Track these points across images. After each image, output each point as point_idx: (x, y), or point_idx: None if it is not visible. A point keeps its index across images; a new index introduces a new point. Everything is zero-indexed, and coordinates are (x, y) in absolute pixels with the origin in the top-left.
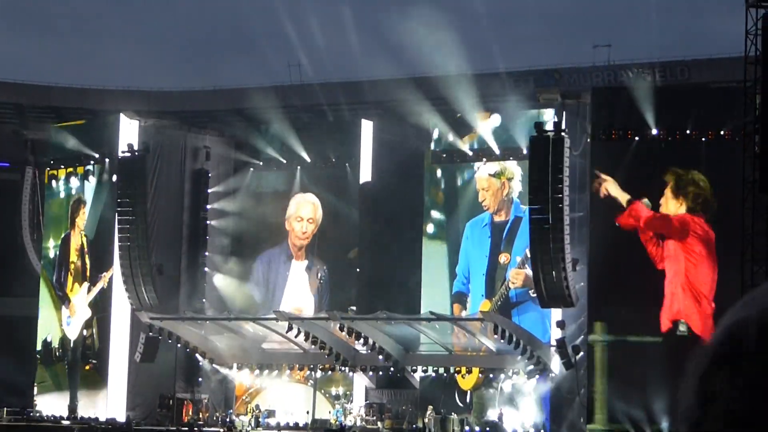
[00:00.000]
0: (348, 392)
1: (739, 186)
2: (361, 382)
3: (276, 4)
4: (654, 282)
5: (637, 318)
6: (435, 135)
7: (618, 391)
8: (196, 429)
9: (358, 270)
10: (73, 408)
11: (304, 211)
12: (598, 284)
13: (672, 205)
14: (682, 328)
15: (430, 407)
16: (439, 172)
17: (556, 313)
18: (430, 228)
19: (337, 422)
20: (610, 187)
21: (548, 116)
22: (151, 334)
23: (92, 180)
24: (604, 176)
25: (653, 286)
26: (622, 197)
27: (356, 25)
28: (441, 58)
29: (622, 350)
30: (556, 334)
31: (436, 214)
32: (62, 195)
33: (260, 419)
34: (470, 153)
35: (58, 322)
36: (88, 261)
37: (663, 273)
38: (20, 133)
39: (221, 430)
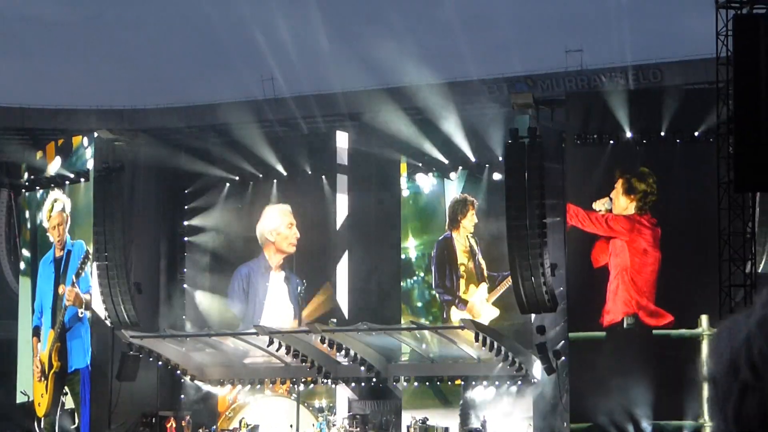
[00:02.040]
0: (331, 404)
1: (714, 187)
2: (343, 393)
3: (247, 19)
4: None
5: (574, 314)
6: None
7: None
8: None
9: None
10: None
11: (287, 219)
12: (576, 287)
13: (623, 203)
14: (629, 321)
15: (413, 416)
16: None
17: (537, 319)
18: (410, 238)
19: None
20: None
21: (523, 123)
22: (131, 352)
23: (68, 199)
24: None
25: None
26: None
27: (329, 37)
28: (413, 67)
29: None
30: (536, 339)
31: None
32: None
33: None
34: (446, 162)
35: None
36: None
37: (602, 270)
38: None
39: None
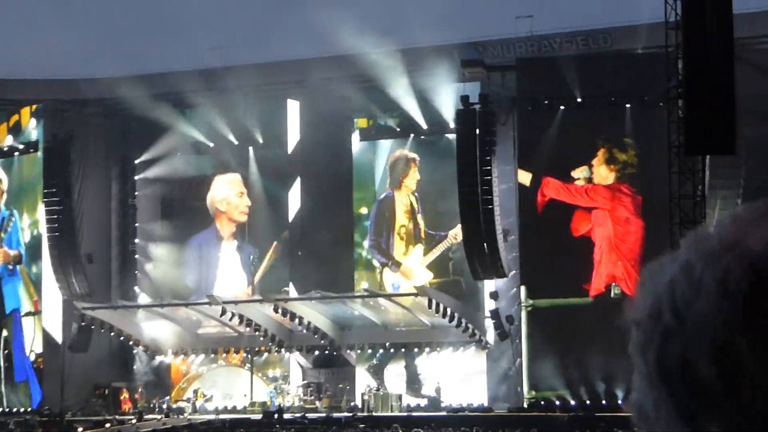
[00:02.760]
0: (285, 373)
1: (665, 151)
2: (298, 362)
3: None
4: (581, 248)
5: (562, 281)
6: (361, 114)
7: (546, 357)
8: (135, 416)
9: (290, 251)
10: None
11: (236, 188)
12: (528, 254)
13: (603, 172)
14: (616, 290)
15: (367, 384)
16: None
17: (489, 285)
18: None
19: (272, 403)
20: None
21: (474, 89)
22: (83, 323)
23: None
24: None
25: (580, 253)
26: (524, 177)
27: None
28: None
29: (550, 316)
30: (490, 305)
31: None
32: None
33: (196, 405)
34: (398, 129)
35: None
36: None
37: (584, 239)
38: None
39: (159, 416)
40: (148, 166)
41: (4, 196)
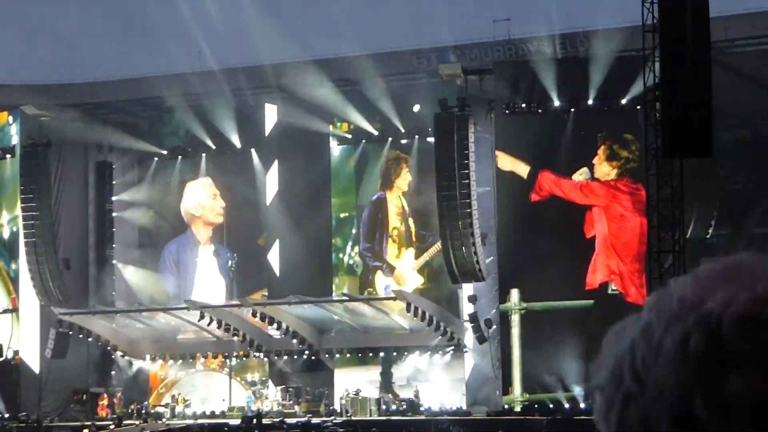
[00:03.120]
0: (264, 378)
1: (642, 154)
2: (276, 367)
3: None
4: (579, 247)
5: (561, 284)
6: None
7: (538, 359)
8: (114, 422)
9: (268, 256)
10: None
11: (209, 191)
12: (508, 257)
13: (605, 169)
14: (613, 287)
15: (346, 388)
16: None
17: (467, 288)
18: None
19: (248, 408)
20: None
21: (451, 93)
22: (61, 329)
23: None
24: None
25: (576, 252)
26: (522, 170)
27: (255, 8)
28: (341, 38)
29: (543, 318)
30: (468, 309)
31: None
32: None
33: (176, 410)
34: (376, 133)
35: None
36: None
37: (582, 238)
38: None
39: (138, 422)
40: (126, 171)
41: None
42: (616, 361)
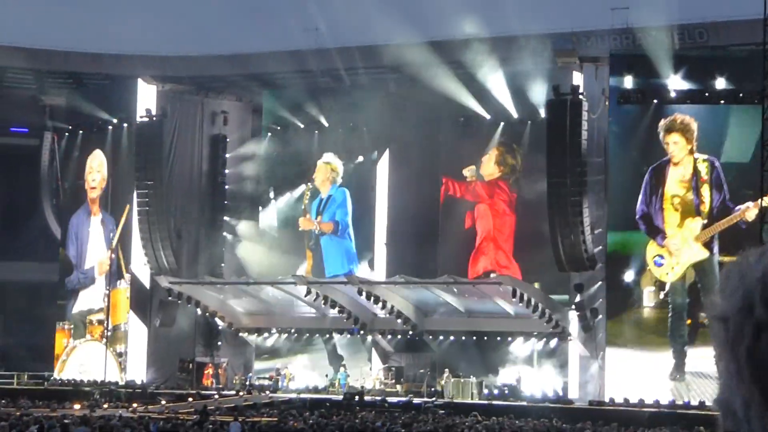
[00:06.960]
0: (364, 356)
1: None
2: (380, 346)
3: None
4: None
5: None
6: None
7: None
8: (218, 391)
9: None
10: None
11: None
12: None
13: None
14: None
15: (447, 370)
16: None
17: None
18: None
19: (341, 386)
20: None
21: (566, 79)
22: (170, 298)
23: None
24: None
25: None
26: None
27: None
28: (458, 21)
29: None
30: (574, 297)
31: None
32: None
33: (279, 383)
34: (488, 117)
35: None
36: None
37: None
38: (38, 99)
39: (241, 393)
40: (239, 145)
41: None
42: (745, 290)
